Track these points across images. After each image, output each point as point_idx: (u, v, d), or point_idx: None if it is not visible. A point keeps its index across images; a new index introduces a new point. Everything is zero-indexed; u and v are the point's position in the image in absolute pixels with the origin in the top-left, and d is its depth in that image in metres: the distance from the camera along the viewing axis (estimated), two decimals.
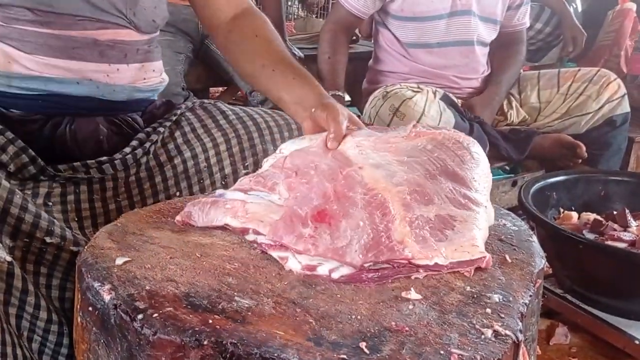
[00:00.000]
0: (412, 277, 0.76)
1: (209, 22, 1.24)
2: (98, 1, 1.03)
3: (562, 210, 1.73)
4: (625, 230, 1.53)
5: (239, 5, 1.22)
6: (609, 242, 1.48)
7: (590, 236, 1.55)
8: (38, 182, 0.98)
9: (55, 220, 0.92)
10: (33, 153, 0.96)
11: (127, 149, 1.08)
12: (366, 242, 0.75)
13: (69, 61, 1.03)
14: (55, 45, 1.01)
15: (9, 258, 0.82)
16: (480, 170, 0.92)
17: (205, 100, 1.25)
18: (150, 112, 1.21)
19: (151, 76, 1.17)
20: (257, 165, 1.14)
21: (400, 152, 0.89)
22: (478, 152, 0.95)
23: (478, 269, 0.78)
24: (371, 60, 2.25)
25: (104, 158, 1.04)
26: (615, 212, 1.62)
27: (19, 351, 0.81)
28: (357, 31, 2.55)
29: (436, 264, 0.75)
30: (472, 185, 0.88)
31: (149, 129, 1.14)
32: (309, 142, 0.95)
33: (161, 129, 1.13)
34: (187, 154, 1.13)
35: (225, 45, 1.21)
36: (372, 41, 2.29)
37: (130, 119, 1.16)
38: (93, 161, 1.03)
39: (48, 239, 0.88)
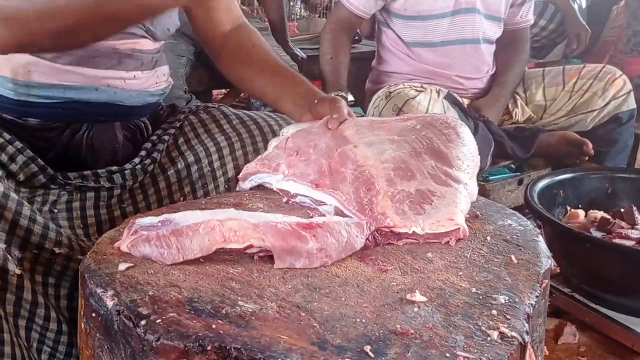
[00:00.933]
0: (396, 243, 0.83)
1: (204, 33, 1.26)
2: None
3: (568, 208, 1.72)
4: (632, 228, 1.52)
5: (236, 20, 1.26)
6: (617, 240, 1.47)
7: (598, 234, 1.53)
8: (48, 189, 0.99)
9: (62, 231, 0.93)
10: (42, 162, 0.98)
11: (137, 159, 1.10)
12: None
13: (88, 69, 1.05)
14: (76, 53, 1.03)
15: (18, 271, 0.82)
16: (465, 149, 0.96)
17: (209, 105, 1.26)
18: (155, 115, 1.22)
19: (161, 80, 1.21)
20: None
21: (392, 131, 0.97)
22: (465, 133, 0.99)
23: (483, 269, 0.77)
24: (374, 61, 2.24)
25: (115, 168, 1.05)
26: (622, 210, 1.61)
27: None
28: (358, 31, 2.54)
29: (414, 232, 0.82)
30: (455, 163, 0.93)
31: (153, 137, 1.15)
32: (309, 125, 1.02)
33: (166, 137, 1.14)
34: (191, 159, 1.13)
35: (221, 53, 1.25)
36: (375, 41, 2.29)
37: (142, 124, 1.19)
38: (103, 170, 1.04)
39: (57, 250, 0.89)
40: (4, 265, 0.81)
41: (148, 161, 1.10)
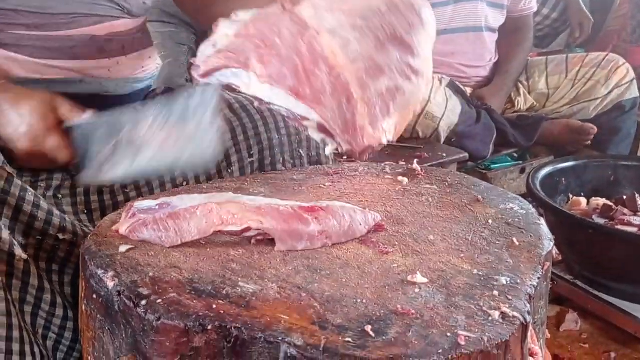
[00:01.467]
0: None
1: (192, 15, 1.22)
2: None
3: (571, 196, 1.72)
4: (635, 215, 1.51)
5: None
6: (619, 227, 1.47)
7: (600, 221, 1.53)
8: (51, 174, 0.98)
9: (66, 217, 0.92)
10: None
11: None
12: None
13: (68, 61, 1.02)
14: (53, 46, 1.01)
15: (24, 256, 0.82)
16: (426, 33, 0.91)
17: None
18: (152, 98, 1.20)
19: (148, 63, 1.17)
20: (262, 154, 1.13)
21: (354, 14, 0.88)
22: (428, 16, 0.92)
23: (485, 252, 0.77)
24: None
25: None
26: (625, 197, 1.60)
27: (35, 349, 0.82)
28: None
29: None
30: (417, 52, 0.88)
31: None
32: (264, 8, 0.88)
33: None
34: None
35: None
36: None
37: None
38: None
39: (61, 236, 0.88)
40: (11, 250, 0.81)
41: None
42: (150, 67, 1.18)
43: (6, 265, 0.80)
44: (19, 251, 0.82)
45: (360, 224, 0.80)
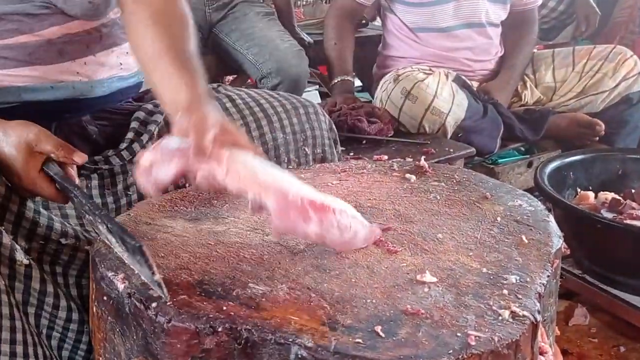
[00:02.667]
0: None
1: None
2: None
3: (579, 190, 1.71)
4: None
5: None
6: (628, 221, 1.46)
7: (609, 215, 1.52)
8: None
9: (68, 221, 0.93)
10: None
11: (130, 134, 1.03)
12: None
13: (30, 67, 0.98)
14: (10, 55, 0.96)
15: (26, 261, 0.83)
16: None
17: (210, 85, 1.23)
18: (147, 93, 1.16)
19: (128, 60, 1.09)
20: (267, 153, 1.13)
21: None
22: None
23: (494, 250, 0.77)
24: (380, 46, 2.22)
25: (110, 151, 1.01)
26: (633, 191, 1.60)
27: (39, 350, 0.82)
28: (364, 14, 2.52)
29: None
30: None
31: (149, 106, 1.08)
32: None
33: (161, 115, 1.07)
34: None
35: (125, 24, 1.02)
36: (381, 25, 2.27)
37: (121, 108, 1.11)
38: (100, 156, 1.00)
39: (63, 240, 0.89)
40: (12, 255, 0.81)
41: (145, 137, 1.04)
42: (131, 63, 1.09)
43: (8, 269, 0.81)
44: (20, 256, 0.82)
45: (361, 240, 0.77)
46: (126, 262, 0.70)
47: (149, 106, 1.09)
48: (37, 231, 0.87)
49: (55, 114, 1.02)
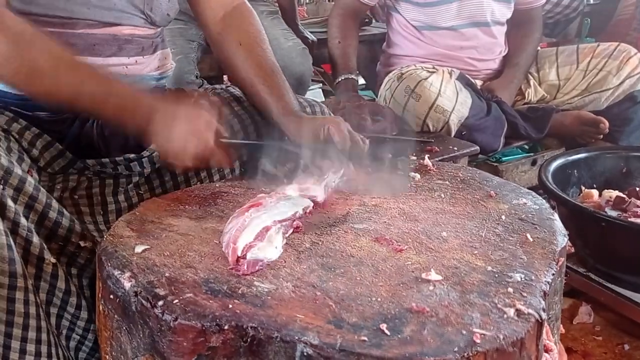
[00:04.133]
0: None
1: (200, 20, 1.23)
2: (118, 5, 1.04)
3: (583, 188, 1.71)
4: None
5: (230, 3, 1.21)
6: (632, 219, 1.46)
7: (613, 213, 1.52)
8: (67, 175, 0.99)
9: (85, 219, 0.94)
10: (60, 146, 0.97)
11: (153, 145, 1.07)
12: None
13: (90, 58, 1.03)
14: (77, 43, 1.02)
15: (53, 260, 0.84)
16: None
17: (217, 86, 1.25)
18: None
19: (164, 64, 1.19)
20: None
21: None
22: None
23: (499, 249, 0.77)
24: (384, 44, 2.22)
25: (132, 156, 1.04)
26: (638, 189, 1.59)
27: (60, 351, 0.83)
28: (368, 13, 2.52)
29: None
30: None
31: None
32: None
33: None
34: None
35: (214, 49, 1.24)
36: (385, 24, 2.27)
37: None
38: (121, 158, 1.03)
39: (82, 243, 0.90)
40: (40, 255, 0.82)
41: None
42: (165, 67, 1.21)
43: (35, 268, 0.82)
44: (48, 255, 0.83)
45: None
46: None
47: None
48: (58, 232, 0.88)
49: None
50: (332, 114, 1.25)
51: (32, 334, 0.78)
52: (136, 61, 1.11)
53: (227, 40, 1.18)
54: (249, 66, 1.14)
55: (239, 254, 0.72)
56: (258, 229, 0.75)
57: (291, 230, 0.80)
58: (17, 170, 0.83)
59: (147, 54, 1.13)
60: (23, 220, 0.81)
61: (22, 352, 0.78)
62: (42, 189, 0.86)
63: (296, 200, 0.86)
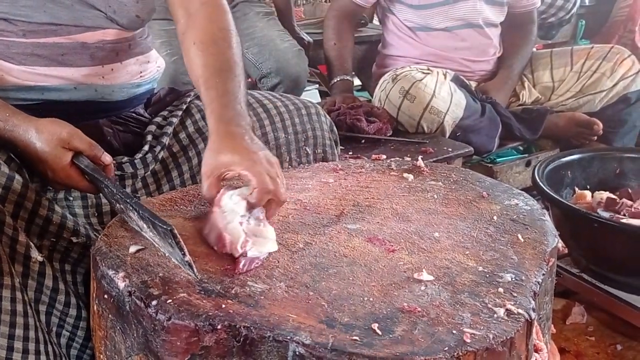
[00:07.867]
0: None
1: (175, 22, 1.11)
2: (75, 5, 0.99)
3: (576, 189, 1.72)
4: None
5: (198, 1, 1.07)
6: (624, 220, 1.47)
7: (605, 214, 1.53)
8: None
9: (79, 220, 0.94)
10: None
11: (146, 147, 1.07)
12: None
13: (60, 68, 1.01)
14: (43, 54, 0.99)
15: (40, 258, 0.84)
16: None
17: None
18: (157, 102, 1.20)
19: (147, 68, 1.15)
20: None
21: None
22: None
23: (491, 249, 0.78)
24: (380, 45, 2.23)
25: (125, 158, 1.03)
26: (630, 190, 1.60)
27: (49, 347, 0.83)
28: (364, 14, 2.53)
29: None
30: None
31: (158, 119, 1.13)
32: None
33: (173, 120, 1.11)
34: (201, 145, 1.11)
35: (180, 42, 1.09)
36: (380, 25, 2.28)
37: (134, 114, 1.15)
38: (114, 161, 1.01)
39: (74, 239, 0.90)
40: (27, 253, 0.83)
41: (158, 148, 1.08)
42: (150, 71, 1.16)
43: (22, 266, 0.82)
44: (34, 253, 0.83)
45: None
46: (157, 245, 0.75)
47: (159, 119, 1.12)
48: (49, 229, 0.88)
49: (73, 114, 1.03)
50: (327, 116, 1.25)
51: (19, 332, 0.78)
52: (112, 69, 1.07)
53: (186, 40, 1.06)
54: (196, 66, 1.01)
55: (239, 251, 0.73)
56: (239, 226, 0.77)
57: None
58: (4, 169, 0.83)
59: (124, 60, 1.08)
60: (9, 219, 0.81)
61: (10, 349, 0.78)
62: (31, 186, 0.86)
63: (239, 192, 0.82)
